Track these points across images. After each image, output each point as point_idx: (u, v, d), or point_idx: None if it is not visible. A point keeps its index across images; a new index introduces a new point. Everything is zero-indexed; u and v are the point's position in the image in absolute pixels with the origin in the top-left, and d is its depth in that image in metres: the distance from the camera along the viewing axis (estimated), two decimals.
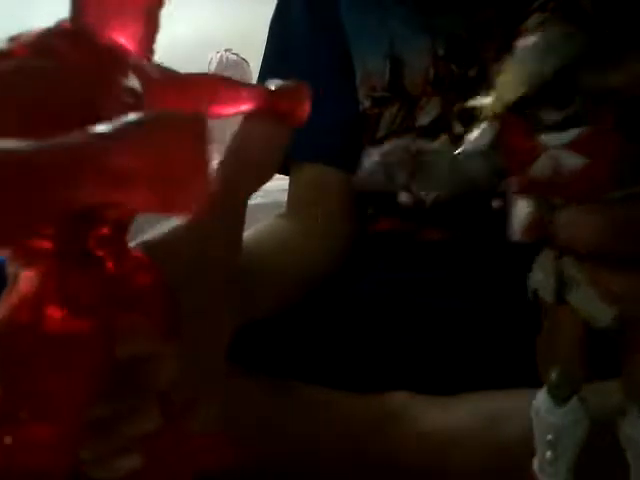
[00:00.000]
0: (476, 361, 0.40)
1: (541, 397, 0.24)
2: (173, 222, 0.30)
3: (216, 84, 0.26)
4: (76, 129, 0.17)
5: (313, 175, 0.56)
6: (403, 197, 0.47)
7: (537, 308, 0.24)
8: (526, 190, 0.22)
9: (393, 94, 0.51)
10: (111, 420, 0.23)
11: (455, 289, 0.45)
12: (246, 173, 0.30)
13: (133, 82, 0.22)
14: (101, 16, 0.22)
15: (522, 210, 0.23)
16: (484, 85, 0.24)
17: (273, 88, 0.27)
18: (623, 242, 0.21)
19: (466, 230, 0.46)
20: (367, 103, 0.53)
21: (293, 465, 0.37)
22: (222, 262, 0.32)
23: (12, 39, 0.20)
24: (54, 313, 0.20)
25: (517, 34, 0.45)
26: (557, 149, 0.20)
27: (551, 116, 0.21)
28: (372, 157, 0.24)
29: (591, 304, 0.22)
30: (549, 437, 0.24)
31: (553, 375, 0.24)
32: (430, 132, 0.49)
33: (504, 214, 0.43)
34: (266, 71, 0.61)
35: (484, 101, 0.22)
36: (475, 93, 0.24)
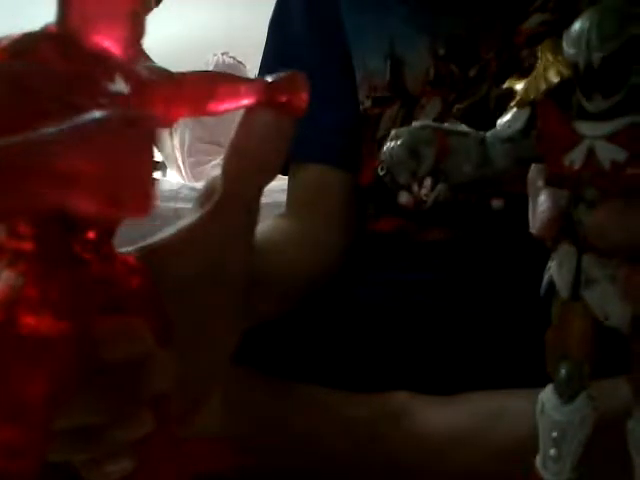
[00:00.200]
0: (476, 361, 0.40)
1: (547, 394, 0.24)
2: (180, 224, 0.29)
3: (213, 81, 0.26)
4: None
5: (313, 175, 0.55)
6: (403, 198, 0.47)
7: (540, 307, 0.24)
8: (557, 181, 0.21)
9: (393, 94, 0.51)
10: (103, 425, 0.22)
11: (456, 289, 0.45)
12: (251, 168, 0.30)
13: (120, 86, 0.22)
14: (85, 20, 0.21)
15: (545, 203, 0.22)
16: (515, 73, 0.23)
17: (270, 80, 0.27)
18: None
19: (467, 230, 0.46)
20: (367, 103, 0.53)
21: (293, 465, 0.37)
22: (234, 261, 0.31)
23: None
24: (28, 314, 0.20)
25: (517, 34, 0.45)
26: (597, 139, 0.20)
27: (593, 105, 0.20)
28: (399, 136, 0.23)
29: (609, 303, 0.22)
30: (554, 434, 0.24)
31: (562, 371, 0.23)
32: None
33: (505, 214, 0.43)
34: (265, 71, 0.60)
35: (518, 85, 0.22)
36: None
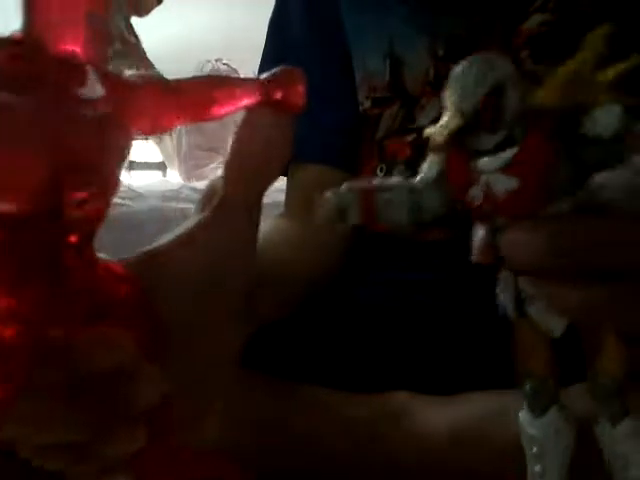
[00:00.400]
0: (476, 361, 0.40)
1: (522, 411, 0.25)
2: (180, 228, 0.29)
3: (210, 87, 0.26)
4: None
5: (312, 175, 0.56)
6: None
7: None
8: (468, 217, 0.23)
9: (393, 94, 0.51)
10: (92, 442, 0.21)
11: (456, 289, 0.45)
12: (254, 171, 0.29)
13: (93, 89, 0.21)
14: (48, 25, 0.21)
15: (476, 234, 0.23)
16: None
17: (265, 77, 0.27)
18: (559, 257, 0.21)
19: (467, 230, 0.46)
20: (367, 103, 0.53)
21: (293, 465, 0.37)
22: (235, 265, 0.31)
23: None
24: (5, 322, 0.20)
25: (517, 34, 0.45)
26: (491, 174, 0.21)
27: (485, 142, 0.21)
28: (329, 198, 0.24)
29: (545, 316, 0.23)
30: (534, 450, 0.24)
31: (527, 387, 0.24)
32: None
33: None
34: (264, 72, 0.60)
35: (431, 131, 0.23)
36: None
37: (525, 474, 0.25)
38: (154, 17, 3.06)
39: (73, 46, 0.21)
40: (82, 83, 0.21)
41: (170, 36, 3.57)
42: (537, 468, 0.24)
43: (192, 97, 0.25)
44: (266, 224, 0.53)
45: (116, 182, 0.22)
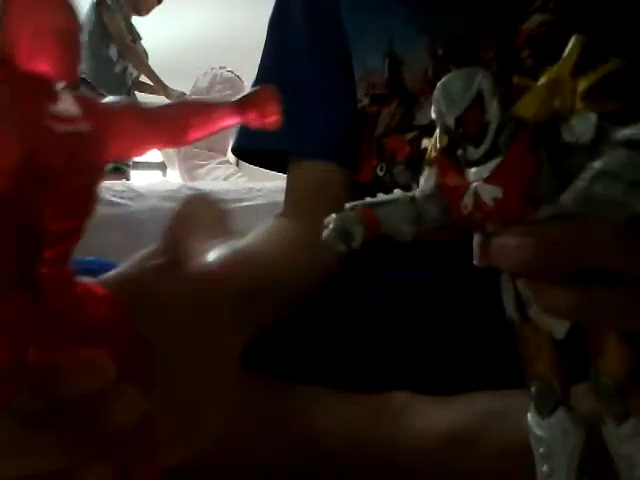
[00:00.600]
0: (477, 361, 0.40)
1: (530, 412, 0.25)
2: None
3: (185, 113, 0.26)
4: None
5: (312, 172, 0.56)
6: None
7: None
8: (465, 224, 0.23)
9: (392, 92, 0.51)
10: (72, 469, 0.21)
11: (456, 289, 0.45)
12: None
13: (65, 106, 0.22)
14: (16, 42, 0.21)
15: (475, 239, 0.24)
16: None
17: (237, 99, 0.27)
18: (546, 261, 0.21)
19: (469, 232, 0.46)
20: (366, 101, 0.53)
21: (293, 465, 0.37)
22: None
23: None
24: None
25: (517, 34, 0.45)
26: (478, 183, 0.22)
27: (473, 153, 0.22)
28: (330, 222, 0.25)
29: (546, 318, 0.23)
30: (541, 450, 0.24)
31: (533, 389, 0.24)
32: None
33: None
34: (265, 70, 0.61)
35: (427, 145, 0.24)
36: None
37: (527, 474, 0.25)
38: (156, 17, 3.06)
39: (45, 63, 0.22)
40: (53, 100, 0.21)
41: (171, 36, 3.57)
42: (545, 469, 0.24)
43: (169, 123, 0.26)
44: (265, 225, 0.53)
45: (91, 202, 0.22)
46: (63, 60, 0.22)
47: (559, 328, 0.23)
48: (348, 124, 0.54)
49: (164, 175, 4.96)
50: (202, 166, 2.87)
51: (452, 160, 0.23)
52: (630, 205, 0.20)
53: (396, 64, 0.51)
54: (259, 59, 0.61)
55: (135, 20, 3.01)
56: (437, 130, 0.23)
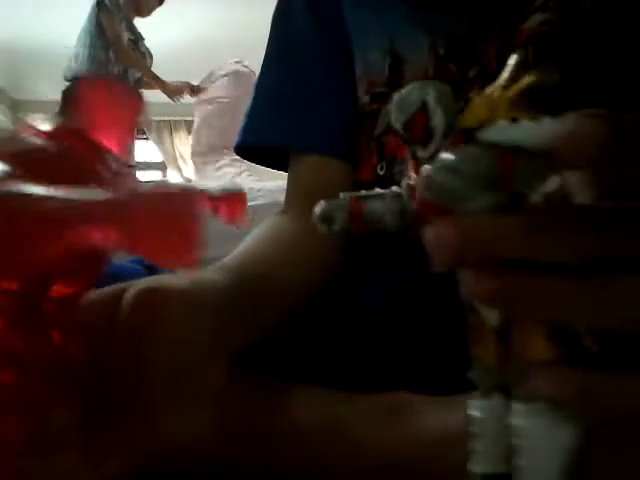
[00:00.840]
0: None
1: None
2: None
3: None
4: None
5: (313, 167, 0.56)
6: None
7: None
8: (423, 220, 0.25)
9: (392, 90, 0.51)
10: None
11: (456, 289, 0.45)
12: None
13: (110, 168, 0.27)
14: (94, 125, 0.28)
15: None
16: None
17: (213, 193, 0.31)
18: (467, 251, 0.22)
19: None
20: (366, 98, 0.53)
21: (290, 465, 0.37)
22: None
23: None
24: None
25: (518, 34, 0.45)
26: (418, 179, 0.24)
27: (423, 155, 0.24)
28: (319, 207, 0.26)
29: (480, 306, 0.24)
30: (475, 429, 0.25)
31: (471, 371, 0.26)
32: None
33: None
34: (267, 68, 0.61)
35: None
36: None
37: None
38: (156, 17, 3.06)
39: (109, 140, 0.28)
40: (104, 164, 0.27)
41: (172, 36, 3.58)
42: (476, 447, 0.25)
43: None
44: (265, 224, 0.53)
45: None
46: (120, 140, 0.28)
47: (491, 316, 0.24)
48: (349, 120, 0.54)
49: (164, 175, 4.97)
50: (214, 162, 2.87)
51: (414, 158, 0.25)
52: (464, 196, 0.22)
53: (397, 62, 0.51)
54: (261, 58, 0.61)
55: (136, 21, 3.01)
56: None
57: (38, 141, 0.26)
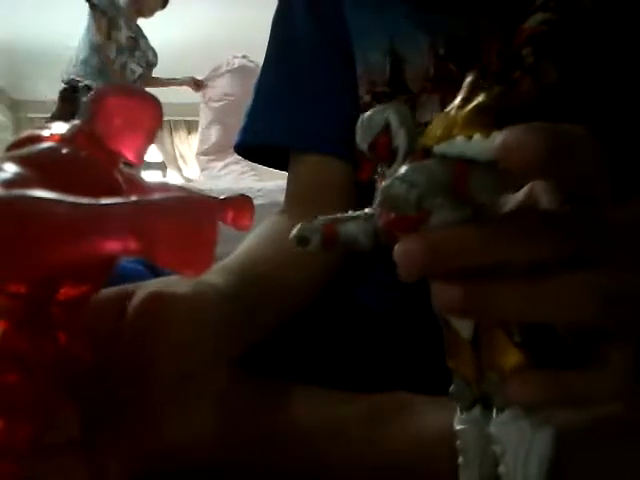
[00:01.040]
0: None
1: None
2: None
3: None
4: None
5: (313, 167, 0.56)
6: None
7: None
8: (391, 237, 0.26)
9: (393, 90, 0.51)
10: None
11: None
12: None
13: (121, 175, 0.28)
14: (110, 130, 0.28)
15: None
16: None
17: (221, 199, 0.31)
18: (434, 264, 0.23)
19: None
20: (367, 98, 0.53)
21: (291, 465, 0.37)
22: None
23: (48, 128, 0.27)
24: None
25: (518, 33, 0.45)
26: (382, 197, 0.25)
27: (388, 174, 0.25)
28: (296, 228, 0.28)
29: (453, 318, 0.25)
30: (458, 443, 0.26)
31: (451, 386, 0.27)
32: None
33: None
34: (268, 69, 0.61)
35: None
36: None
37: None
38: (157, 17, 3.07)
39: (122, 146, 0.29)
40: (115, 168, 0.28)
41: (173, 35, 3.58)
42: (460, 460, 0.26)
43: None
44: (266, 223, 0.53)
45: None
46: (137, 147, 0.29)
47: (463, 327, 0.25)
48: (350, 119, 0.54)
49: (164, 175, 4.97)
50: (221, 159, 2.88)
51: (384, 178, 0.26)
52: (411, 203, 0.23)
53: (398, 62, 0.51)
54: (262, 57, 0.62)
55: (141, 21, 3.01)
56: None
57: (55, 146, 0.26)
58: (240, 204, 0.32)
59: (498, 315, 0.23)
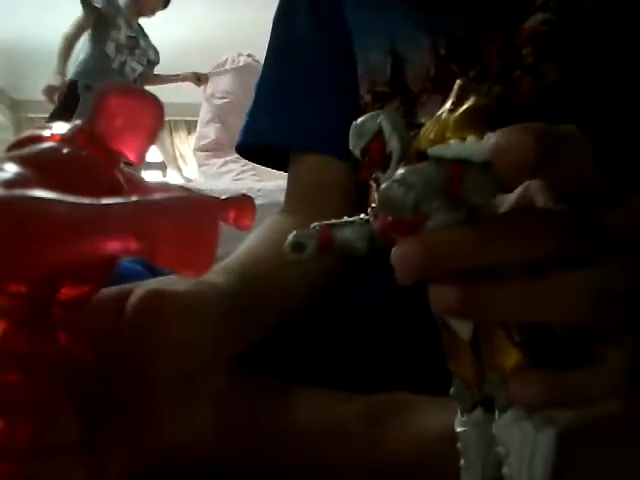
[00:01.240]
0: None
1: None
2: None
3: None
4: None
5: (313, 167, 0.56)
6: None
7: None
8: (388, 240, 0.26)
9: (394, 90, 0.51)
10: None
11: None
12: None
13: (121, 175, 0.28)
14: (111, 129, 0.28)
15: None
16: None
17: (223, 199, 0.32)
18: (431, 266, 0.23)
19: None
20: (367, 98, 0.53)
21: (291, 465, 0.37)
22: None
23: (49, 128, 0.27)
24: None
25: (519, 33, 0.45)
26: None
27: (383, 179, 0.25)
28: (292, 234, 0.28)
29: (452, 321, 0.25)
30: (459, 445, 0.26)
31: (452, 389, 0.27)
32: None
33: None
34: (269, 68, 0.61)
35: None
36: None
37: None
38: (159, 15, 3.07)
39: (123, 145, 0.28)
40: (116, 167, 0.28)
41: (170, 37, 3.58)
42: (462, 462, 0.26)
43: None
44: (266, 223, 0.53)
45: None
46: (138, 147, 0.29)
47: (463, 329, 0.25)
48: (350, 119, 0.54)
49: (164, 175, 4.97)
50: (220, 157, 2.87)
51: (378, 185, 0.26)
52: (408, 205, 0.23)
53: (398, 62, 0.51)
54: (262, 57, 0.62)
55: (143, 21, 3.01)
56: None
57: (56, 146, 0.26)
58: (241, 204, 0.32)
59: (496, 316, 0.24)
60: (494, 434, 0.25)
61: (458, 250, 0.23)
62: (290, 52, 0.59)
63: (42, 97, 2.83)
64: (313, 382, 0.40)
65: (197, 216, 0.22)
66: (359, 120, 0.26)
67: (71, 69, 2.82)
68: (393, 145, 0.25)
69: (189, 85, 3.29)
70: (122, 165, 0.29)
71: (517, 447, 0.24)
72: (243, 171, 2.77)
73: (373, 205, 0.26)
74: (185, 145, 4.69)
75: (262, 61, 0.63)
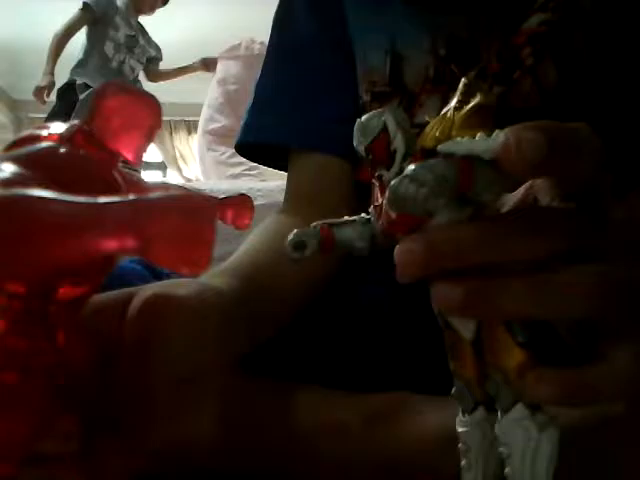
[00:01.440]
0: None
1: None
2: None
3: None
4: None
5: (313, 166, 0.56)
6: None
7: None
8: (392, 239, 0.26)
9: (393, 89, 0.51)
10: None
11: None
12: None
13: (119, 174, 0.28)
14: (109, 129, 0.28)
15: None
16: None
17: (222, 198, 0.32)
18: (434, 262, 0.23)
19: None
20: (367, 97, 0.53)
21: (292, 465, 0.37)
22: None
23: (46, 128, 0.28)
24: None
25: (518, 34, 0.45)
26: (384, 199, 0.25)
27: (387, 177, 0.25)
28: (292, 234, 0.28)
29: (454, 320, 0.25)
30: (460, 446, 0.26)
31: (453, 389, 0.27)
32: None
33: None
34: (269, 68, 0.61)
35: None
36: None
37: None
38: (159, 15, 3.07)
39: (121, 145, 0.29)
40: (114, 167, 0.28)
41: (170, 37, 3.58)
42: (463, 463, 0.26)
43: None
44: (266, 223, 0.53)
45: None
46: (135, 146, 0.29)
47: (465, 328, 0.25)
48: (350, 119, 0.54)
49: (164, 175, 4.97)
50: (228, 146, 2.85)
51: (381, 181, 0.26)
52: (429, 205, 0.23)
53: (397, 62, 0.51)
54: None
55: (143, 20, 3.01)
56: None
57: (54, 146, 0.26)
58: (240, 203, 0.32)
59: (501, 313, 0.23)
60: (496, 434, 0.25)
61: (463, 247, 0.23)
62: (290, 52, 0.59)
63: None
64: (314, 382, 0.40)
65: (194, 214, 0.23)
66: (363, 118, 0.26)
67: (68, 69, 2.82)
68: (398, 142, 0.25)
69: (189, 85, 3.29)
70: (120, 165, 0.29)
71: (520, 447, 0.24)
72: (251, 165, 2.75)
73: (375, 204, 0.26)
74: (185, 145, 4.69)
75: None
